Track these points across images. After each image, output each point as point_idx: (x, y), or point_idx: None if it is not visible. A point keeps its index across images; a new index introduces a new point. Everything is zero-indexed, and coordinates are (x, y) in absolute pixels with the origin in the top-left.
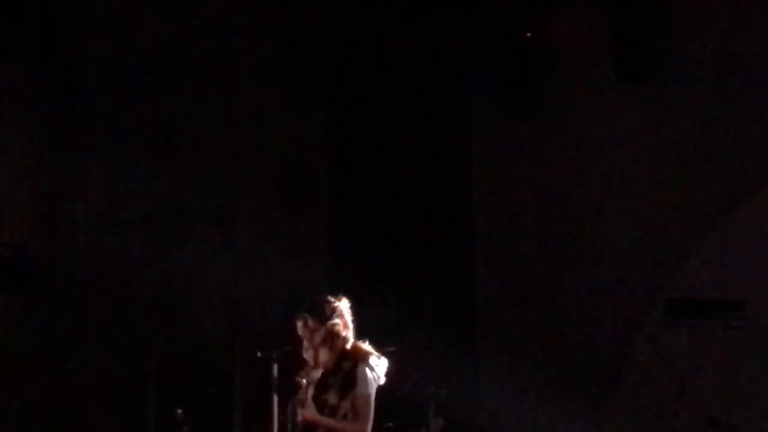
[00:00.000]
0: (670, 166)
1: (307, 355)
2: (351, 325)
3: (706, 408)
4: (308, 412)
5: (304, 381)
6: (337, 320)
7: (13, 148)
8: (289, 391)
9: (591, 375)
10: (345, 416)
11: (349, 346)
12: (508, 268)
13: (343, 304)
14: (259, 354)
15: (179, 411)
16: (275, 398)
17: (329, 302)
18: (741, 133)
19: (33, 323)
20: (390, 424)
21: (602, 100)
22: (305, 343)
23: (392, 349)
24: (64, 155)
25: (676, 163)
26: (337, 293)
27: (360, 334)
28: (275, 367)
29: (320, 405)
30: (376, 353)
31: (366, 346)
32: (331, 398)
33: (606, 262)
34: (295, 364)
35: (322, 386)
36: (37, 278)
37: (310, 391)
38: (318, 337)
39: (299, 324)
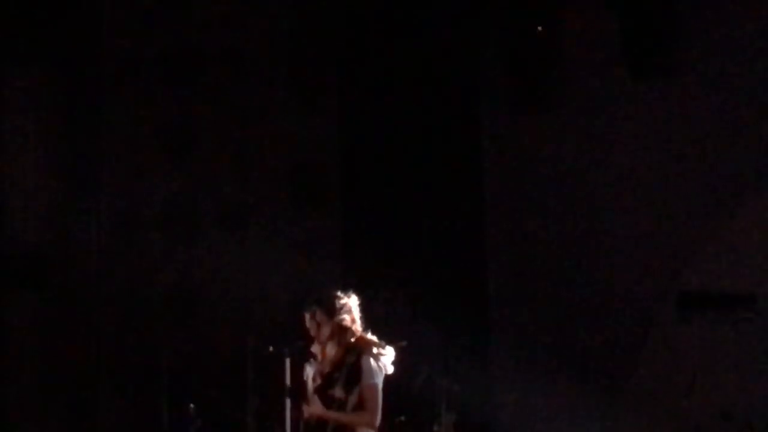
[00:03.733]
0: (683, 162)
1: (315, 349)
2: (359, 321)
3: (719, 402)
4: (315, 408)
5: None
6: (345, 316)
7: (27, 147)
8: (299, 388)
9: (603, 370)
10: (353, 409)
11: (354, 339)
12: (519, 263)
13: (352, 301)
14: (270, 349)
15: (192, 406)
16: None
17: (338, 297)
18: (753, 129)
19: (46, 321)
20: (402, 419)
21: (614, 98)
22: (313, 337)
23: (404, 343)
24: (78, 154)
25: (688, 159)
26: (348, 290)
27: (372, 329)
28: (287, 362)
29: (327, 400)
30: (380, 343)
31: (370, 336)
32: (338, 392)
33: (618, 257)
34: (306, 359)
35: (328, 381)
36: (51, 276)
37: (316, 384)
38: (325, 332)
39: (307, 316)
